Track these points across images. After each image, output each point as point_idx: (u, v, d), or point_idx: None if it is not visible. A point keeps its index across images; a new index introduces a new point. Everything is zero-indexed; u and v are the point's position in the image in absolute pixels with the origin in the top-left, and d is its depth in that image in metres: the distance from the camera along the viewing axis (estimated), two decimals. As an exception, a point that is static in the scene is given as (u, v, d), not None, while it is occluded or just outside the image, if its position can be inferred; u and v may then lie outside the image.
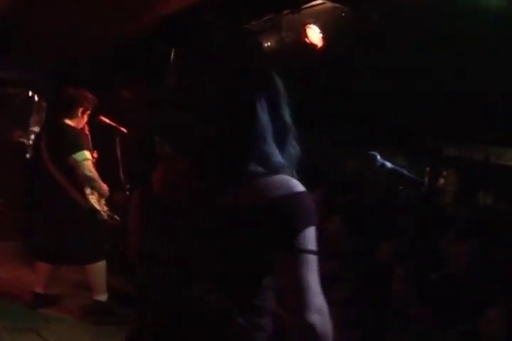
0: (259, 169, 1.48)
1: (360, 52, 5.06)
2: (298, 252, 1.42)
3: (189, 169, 1.56)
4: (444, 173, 7.04)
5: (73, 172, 4.46)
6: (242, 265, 1.47)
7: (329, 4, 4.85)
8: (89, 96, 4.63)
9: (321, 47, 4.98)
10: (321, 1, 4.83)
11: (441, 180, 6.98)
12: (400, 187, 2.70)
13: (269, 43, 5.28)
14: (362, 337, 4.00)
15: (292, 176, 1.53)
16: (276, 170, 1.49)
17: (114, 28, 5.04)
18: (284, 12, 4.94)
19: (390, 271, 4.10)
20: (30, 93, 7.23)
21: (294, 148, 1.59)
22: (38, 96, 7.17)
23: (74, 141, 4.48)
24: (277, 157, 1.53)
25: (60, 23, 4.95)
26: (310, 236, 1.44)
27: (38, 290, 4.72)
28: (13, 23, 4.96)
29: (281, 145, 1.56)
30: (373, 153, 2.69)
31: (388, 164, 2.70)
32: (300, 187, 1.48)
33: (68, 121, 4.59)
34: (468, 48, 4.64)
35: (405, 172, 2.78)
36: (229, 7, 4.70)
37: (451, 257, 4.34)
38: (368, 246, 4.42)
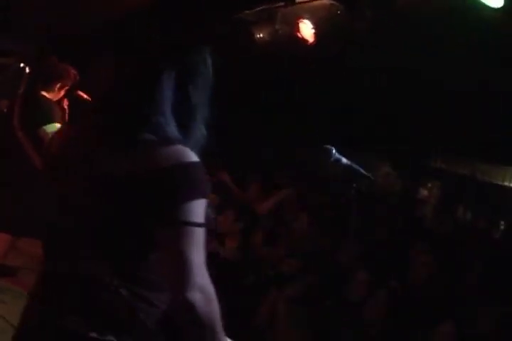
0: (152, 138, 1.42)
1: (353, 50, 5.01)
2: (180, 224, 1.35)
3: (79, 134, 1.52)
4: (429, 185, 6.99)
5: (42, 143, 4.38)
6: (125, 235, 1.40)
7: (326, 1, 4.78)
8: (72, 71, 4.56)
9: (312, 42, 4.92)
10: (318, -3, 4.78)
11: (425, 192, 6.94)
12: (354, 185, 2.62)
13: (261, 35, 5.21)
14: (313, 337, 3.96)
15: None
16: (169, 141, 1.42)
17: (103, 7, 4.98)
18: (279, 4, 4.87)
19: (348, 274, 4.05)
20: (22, 64, 7.16)
21: (199, 131, 1.54)
22: (29, 69, 7.10)
23: (46, 113, 4.40)
24: (173, 130, 1.46)
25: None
26: (196, 209, 1.36)
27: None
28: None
29: (186, 125, 1.51)
30: (328, 146, 2.60)
31: (344, 160, 2.62)
32: (191, 158, 1.40)
33: (44, 93, 4.52)
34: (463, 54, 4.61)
35: (361, 170, 2.69)
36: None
37: (415, 267, 4.30)
38: (331, 247, 4.36)
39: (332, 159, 2.59)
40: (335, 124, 6.17)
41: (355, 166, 2.68)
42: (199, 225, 1.37)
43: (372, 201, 5.38)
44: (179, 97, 1.50)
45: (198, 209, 1.37)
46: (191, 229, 1.36)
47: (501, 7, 3.97)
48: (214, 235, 4.89)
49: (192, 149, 1.45)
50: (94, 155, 1.44)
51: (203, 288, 1.36)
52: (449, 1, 4.29)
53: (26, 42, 6.64)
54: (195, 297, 1.34)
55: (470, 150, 6.11)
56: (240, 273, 4.67)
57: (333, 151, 2.61)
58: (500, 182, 6.73)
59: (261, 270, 4.53)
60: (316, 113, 6.34)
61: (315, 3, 4.87)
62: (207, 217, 1.41)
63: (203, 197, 1.39)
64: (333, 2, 4.75)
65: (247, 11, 5.04)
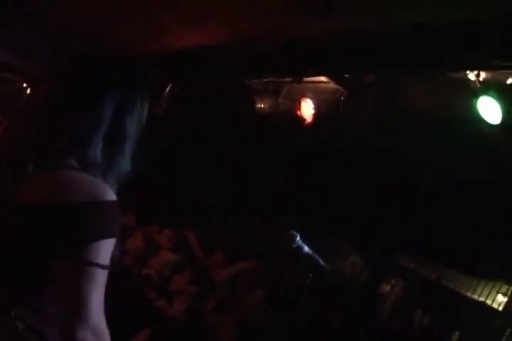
0: (71, 163, 1.41)
1: (348, 137, 5.07)
2: (84, 264, 1.31)
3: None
4: (393, 281, 6.92)
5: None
6: (25, 267, 1.36)
7: (332, 84, 4.85)
8: None
9: (309, 122, 4.96)
10: (325, 80, 4.84)
11: (387, 287, 6.85)
12: (310, 275, 2.59)
13: (262, 105, 5.26)
14: None
15: (111, 186, 1.44)
16: (88, 168, 1.41)
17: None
18: (286, 79, 4.93)
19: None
20: (25, 85, 7.16)
21: (124, 164, 1.54)
22: (30, 89, 7.10)
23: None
24: (97, 156, 1.46)
25: (68, 15, 4.92)
26: (103, 249, 1.34)
27: None
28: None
29: (112, 154, 1.50)
30: (293, 232, 2.57)
31: (306, 248, 2.59)
32: (108, 195, 1.38)
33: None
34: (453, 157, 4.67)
35: (321, 261, 2.65)
36: (234, 59, 4.69)
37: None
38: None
39: (295, 245, 2.57)
40: (307, 205, 6.18)
41: (315, 256, 2.65)
42: (103, 267, 1.33)
43: (329, 290, 5.31)
44: (114, 124, 1.51)
45: (105, 250, 1.34)
46: (95, 269, 1.32)
47: (499, 124, 4.04)
48: (164, 292, 4.79)
49: (112, 181, 1.45)
50: (6, 182, 1.41)
51: (96, 329, 1.31)
52: (453, 109, 4.36)
53: (32, 63, 6.65)
54: (86, 337, 1.29)
55: (439, 255, 6.10)
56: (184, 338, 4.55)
57: (297, 238, 2.59)
58: (463, 292, 6.67)
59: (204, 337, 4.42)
60: (292, 194, 6.35)
61: (321, 85, 4.94)
62: (112, 258, 1.38)
63: (112, 237, 1.36)
64: (338, 87, 4.82)
65: (254, 80, 5.09)
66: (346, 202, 6.01)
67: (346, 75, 4.62)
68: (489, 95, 3.94)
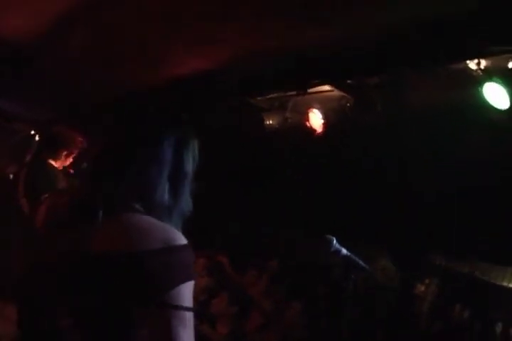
0: (137, 207, 1.43)
1: (358, 143, 5.09)
2: (170, 309, 1.32)
3: (65, 204, 1.51)
4: (427, 281, 6.88)
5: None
6: (107, 315, 1.36)
7: (336, 92, 4.91)
8: (78, 139, 4.65)
9: (320, 132, 5.01)
10: (329, 88, 4.91)
11: (422, 287, 6.81)
12: (353, 276, 2.59)
13: (271, 122, 5.32)
14: None
15: (176, 227, 1.46)
16: (154, 211, 1.44)
17: (123, 80, 5.12)
18: (291, 93, 5.00)
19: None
20: (32, 132, 7.29)
21: (187, 200, 1.56)
22: (38, 136, 7.23)
23: (51, 181, 4.44)
24: (163, 199, 1.48)
25: (75, 65, 5.02)
26: (185, 293, 1.35)
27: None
28: (28, 56, 5.02)
29: (176, 194, 1.52)
30: (329, 236, 2.59)
31: (344, 250, 2.60)
32: (179, 239, 1.40)
33: (51, 161, 4.59)
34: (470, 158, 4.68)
35: (361, 262, 2.67)
36: (238, 80, 4.77)
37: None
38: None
39: (332, 249, 2.58)
40: (334, 213, 6.18)
41: (354, 258, 2.66)
42: (189, 309, 1.34)
43: (370, 298, 5.29)
44: (174, 165, 1.53)
45: (187, 292, 1.35)
46: (181, 313, 1.33)
47: (509, 108, 4.07)
48: (206, 317, 4.79)
49: (177, 221, 1.48)
50: (77, 228, 1.42)
51: None
52: (460, 101, 4.40)
53: (38, 110, 6.77)
54: None
55: (469, 249, 6.07)
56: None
57: (334, 242, 2.60)
58: (499, 283, 6.62)
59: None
60: (318, 202, 6.36)
61: (326, 94, 5.00)
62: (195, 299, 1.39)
63: (191, 279, 1.37)
64: (343, 94, 4.88)
65: (259, 98, 5.16)
66: (367, 207, 6.03)
67: (349, 81, 4.69)
68: (494, 81, 3.99)
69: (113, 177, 1.48)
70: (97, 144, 1.64)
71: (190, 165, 1.57)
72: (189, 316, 1.35)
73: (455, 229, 5.61)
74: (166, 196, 1.49)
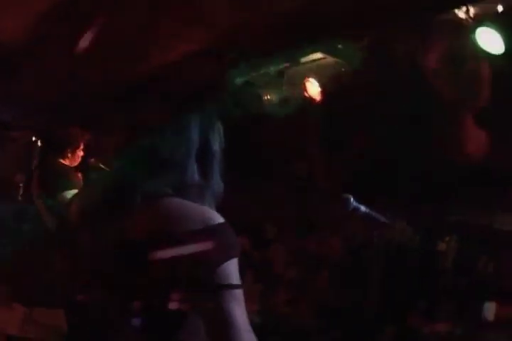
0: (168, 191, 1.42)
1: (360, 105, 5.06)
2: (220, 288, 1.31)
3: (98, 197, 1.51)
4: (447, 238, 6.88)
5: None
6: (160, 301, 1.34)
7: (330, 59, 4.89)
8: (80, 134, 4.67)
9: (319, 101, 5.00)
10: (322, 56, 4.89)
11: (443, 245, 6.81)
12: (375, 234, 2.59)
13: (268, 97, 5.30)
14: None
15: (210, 208, 1.45)
16: (185, 193, 1.43)
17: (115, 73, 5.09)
18: (284, 65, 4.98)
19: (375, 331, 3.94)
20: (34, 138, 7.29)
21: (217, 181, 1.54)
22: (40, 142, 7.23)
23: (65, 179, 4.46)
24: (193, 181, 1.47)
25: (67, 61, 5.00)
26: (232, 270, 1.33)
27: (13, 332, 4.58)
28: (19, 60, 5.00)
29: (205, 174, 1.51)
30: (346, 195, 2.59)
31: (362, 208, 2.60)
32: (216, 218, 1.39)
33: (62, 161, 4.61)
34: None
35: (381, 217, 2.67)
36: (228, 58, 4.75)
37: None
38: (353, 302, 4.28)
39: (351, 208, 2.59)
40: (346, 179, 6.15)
41: (374, 214, 2.66)
42: (238, 287, 1.34)
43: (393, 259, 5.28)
44: (202, 146, 1.51)
45: (234, 269, 1.34)
46: (232, 291, 1.32)
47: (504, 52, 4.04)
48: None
49: (211, 203, 1.47)
50: (115, 218, 1.42)
51: None
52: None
53: (35, 115, 6.76)
54: None
55: (485, 201, 6.04)
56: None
57: (352, 200, 2.61)
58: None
59: (284, 330, 4.43)
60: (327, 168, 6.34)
61: (319, 62, 4.98)
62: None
63: (236, 256, 1.36)
64: (337, 60, 4.86)
65: (253, 74, 5.14)
66: (378, 170, 6.00)
67: (339, 46, 4.68)
68: (485, 26, 3.96)
69: (142, 163, 1.47)
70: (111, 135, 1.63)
71: (217, 145, 1.55)
72: (239, 293, 1.33)
73: (469, 182, 5.58)
74: (197, 177, 1.48)
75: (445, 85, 4.53)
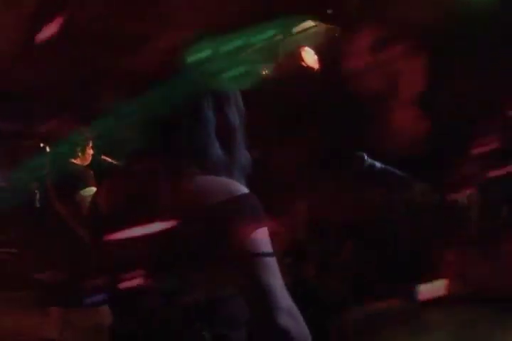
0: (193, 169, 1.43)
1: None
2: (252, 257, 1.32)
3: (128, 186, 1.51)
4: (467, 193, 6.84)
5: (81, 208, 4.41)
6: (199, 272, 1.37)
7: (322, 25, 4.85)
8: (84, 131, 4.66)
9: (317, 69, 4.95)
10: (313, 24, 4.84)
11: (464, 199, 6.78)
12: (396, 195, 2.56)
13: (266, 71, 5.26)
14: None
15: (239, 181, 1.45)
16: (211, 170, 1.43)
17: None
18: (277, 37, 4.94)
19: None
20: (42, 144, 7.29)
21: (243, 156, 1.54)
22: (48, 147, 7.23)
23: (79, 178, 4.46)
24: (218, 154, 1.47)
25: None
26: (261, 238, 1.34)
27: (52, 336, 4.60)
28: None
29: (228, 149, 1.50)
30: (360, 153, 2.56)
31: (378, 164, 2.57)
32: (242, 189, 1.40)
33: (73, 160, 4.61)
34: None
35: (397, 171, 2.64)
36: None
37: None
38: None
39: (366, 165, 2.56)
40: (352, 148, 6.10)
41: (390, 169, 2.63)
42: (270, 255, 1.34)
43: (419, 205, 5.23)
44: (219, 120, 1.51)
45: (264, 238, 1.35)
46: (266, 259, 1.32)
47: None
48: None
49: (239, 176, 1.47)
50: (149, 202, 1.43)
51: (290, 310, 1.30)
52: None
53: (41, 123, 6.76)
54: (287, 322, 1.28)
55: (501, 154, 5.98)
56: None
57: (366, 157, 2.58)
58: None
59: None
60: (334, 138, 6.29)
61: (312, 30, 4.93)
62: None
63: (264, 226, 1.37)
64: (329, 26, 4.81)
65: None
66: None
67: (329, 11, 4.62)
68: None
69: (164, 150, 1.48)
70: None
71: (236, 118, 1.54)
72: (273, 262, 1.34)
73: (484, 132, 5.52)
74: (221, 154, 1.48)
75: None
